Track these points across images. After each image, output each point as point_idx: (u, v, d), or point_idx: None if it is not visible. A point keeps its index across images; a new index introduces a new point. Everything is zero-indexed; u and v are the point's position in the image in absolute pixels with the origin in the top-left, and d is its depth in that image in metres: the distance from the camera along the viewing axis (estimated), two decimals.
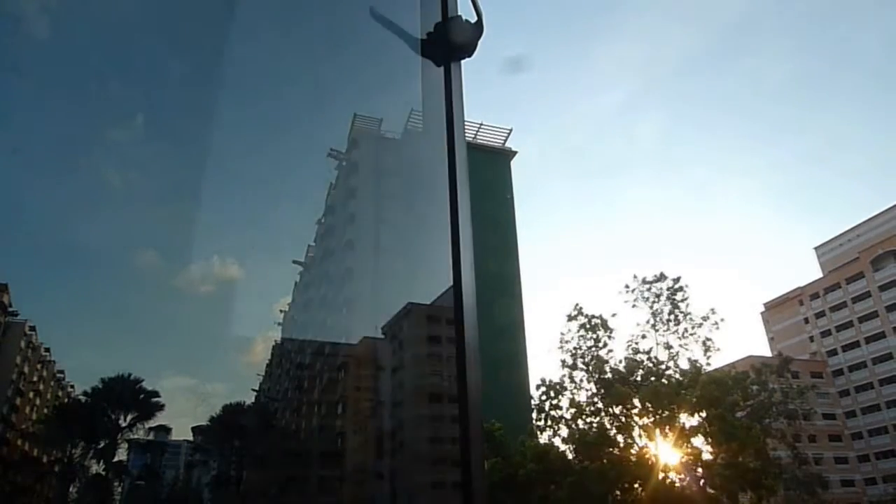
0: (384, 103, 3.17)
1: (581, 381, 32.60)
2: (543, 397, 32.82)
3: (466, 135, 1.92)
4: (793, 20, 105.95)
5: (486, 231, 39.46)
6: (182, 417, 2.71)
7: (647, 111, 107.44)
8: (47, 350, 2.50)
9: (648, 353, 33.08)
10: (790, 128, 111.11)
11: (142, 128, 2.61)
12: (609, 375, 31.75)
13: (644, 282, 34.45)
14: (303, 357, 3.71)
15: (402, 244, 3.18)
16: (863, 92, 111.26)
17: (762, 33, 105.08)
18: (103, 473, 2.56)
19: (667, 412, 29.32)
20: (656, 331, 33.50)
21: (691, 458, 29.75)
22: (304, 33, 2.80)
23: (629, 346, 33.27)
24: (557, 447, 30.81)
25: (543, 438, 32.01)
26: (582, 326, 33.07)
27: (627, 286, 34.66)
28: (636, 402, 29.80)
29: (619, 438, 30.77)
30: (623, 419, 30.77)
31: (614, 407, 30.65)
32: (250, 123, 2.96)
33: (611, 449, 30.34)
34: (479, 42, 1.90)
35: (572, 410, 31.96)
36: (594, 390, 31.66)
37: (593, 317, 33.14)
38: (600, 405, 31.13)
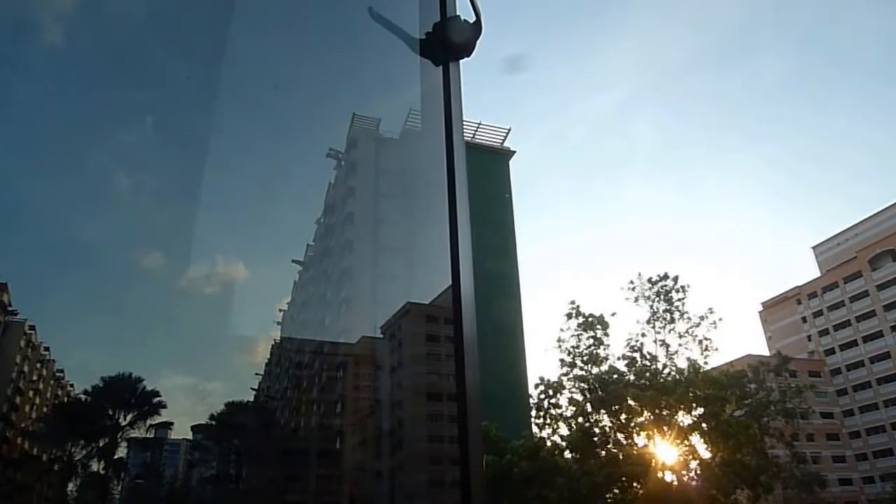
0: (383, 103, 3.18)
1: (579, 379, 32.62)
2: (542, 396, 32.86)
3: (465, 134, 1.93)
4: (791, 20, 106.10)
5: (485, 230, 39.43)
6: (182, 416, 2.72)
7: (645, 111, 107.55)
8: (47, 349, 2.50)
9: (648, 353, 33.11)
10: (788, 127, 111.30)
11: (142, 127, 2.62)
12: (606, 374, 31.76)
13: (648, 281, 34.49)
14: (302, 356, 3.72)
15: (401, 243, 3.20)
16: (861, 91, 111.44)
17: (760, 34, 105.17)
18: (103, 472, 2.57)
19: (664, 411, 29.37)
20: (656, 332, 33.54)
21: (689, 456, 29.80)
22: (303, 33, 2.81)
23: (628, 343, 33.32)
24: (548, 446, 30.78)
25: (543, 436, 32.05)
26: (580, 325, 33.07)
27: (632, 282, 34.72)
28: (632, 401, 29.80)
29: (617, 437, 30.80)
30: (620, 417, 30.80)
31: (611, 406, 30.66)
32: (249, 123, 2.96)
33: (608, 447, 30.38)
34: (478, 42, 1.90)
35: (572, 409, 32.00)
36: (591, 389, 31.66)
37: (591, 315, 33.15)
38: (597, 404, 31.14)
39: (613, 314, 33.34)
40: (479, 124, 50.57)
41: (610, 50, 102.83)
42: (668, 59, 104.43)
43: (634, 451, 29.79)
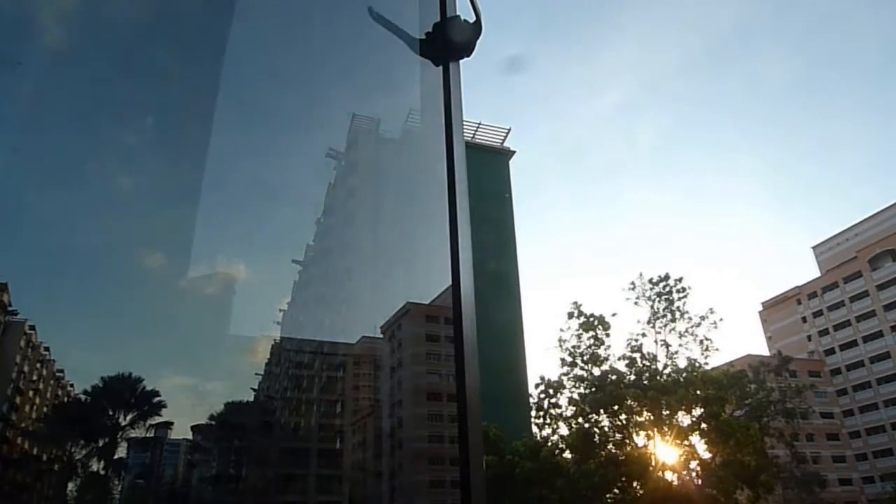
0: (383, 103, 3.18)
1: (579, 379, 32.63)
2: (542, 395, 32.87)
3: (465, 134, 1.93)
4: (791, 22, 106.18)
5: (485, 230, 39.44)
6: (182, 416, 2.72)
7: (645, 112, 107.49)
8: (47, 349, 2.50)
9: (649, 353, 33.09)
10: (788, 128, 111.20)
11: (141, 128, 2.62)
12: (606, 375, 31.76)
13: (649, 281, 34.50)
14: (302, 356, 3.72)
15: (401, 243, 3.19)
16: (860, 92, 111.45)
17: (760, 35, 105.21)
18: (103, 472, 2.57)
19: (664, 411, 29.37)
20: (657, 332, 33.53)
21: (689, 456, 29.81)
22: (303, 34, 2.81)
23: (629, 343, 33.31)
24: (549, 445, 30.81)
25: (543, 436, 32.08)
26: (581, 325, 33.06)
27: (633, 283, 34.71)
28: (632, 401, 29.79)
29: (617, 437, 30.81)
30: (620, 418, 30.81)
31: (611, 406, 30.66)
32: (250, 124, 2.97)
33: (608, 448, 30.39)
34: (478, 42, 1.90)
35: (572, 409, 32.02)
36: (592, 389, 31.67)
37: (592, 315, 33.15)
38: (597, 404, 31.13)
39: (614, 314, 33.38)
40: (479, 124, 50.67)
41: (610, 51, 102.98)
42: (668, 60, 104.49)
43: (634, 452, 29.79)
